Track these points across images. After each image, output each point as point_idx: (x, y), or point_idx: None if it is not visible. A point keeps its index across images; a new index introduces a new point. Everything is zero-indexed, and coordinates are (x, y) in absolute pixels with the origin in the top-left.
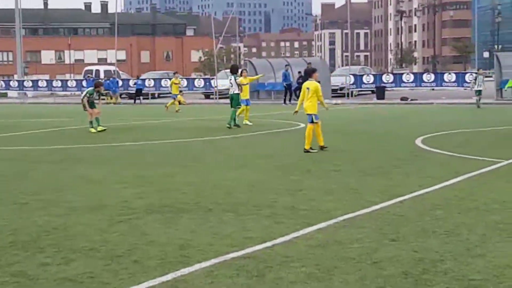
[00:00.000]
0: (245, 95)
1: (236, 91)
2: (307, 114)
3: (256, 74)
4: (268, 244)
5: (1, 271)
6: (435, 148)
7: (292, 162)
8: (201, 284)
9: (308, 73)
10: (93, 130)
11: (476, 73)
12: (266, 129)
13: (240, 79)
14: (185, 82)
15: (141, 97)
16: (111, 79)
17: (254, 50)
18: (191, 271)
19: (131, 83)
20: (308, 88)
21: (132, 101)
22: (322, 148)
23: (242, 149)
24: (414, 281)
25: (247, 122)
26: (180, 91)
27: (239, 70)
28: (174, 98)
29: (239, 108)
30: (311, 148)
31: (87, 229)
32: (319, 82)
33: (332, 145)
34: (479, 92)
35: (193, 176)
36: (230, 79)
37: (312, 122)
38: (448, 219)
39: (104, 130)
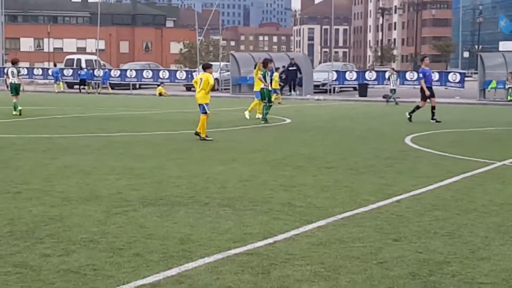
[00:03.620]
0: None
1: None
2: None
3: (238, 67)
4: (270, 240)
5: (3, 261)
6: (425, 147)
7: (281, 157)
8: (207, 280)
9: (204, 68)
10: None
11: (389, 71)
12: (251, 123)
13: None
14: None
15: (85, 87)
16: (105, 70)
17: (232, 43)
18: (195, 266)
19: (112, 73)
20: (201, 79)
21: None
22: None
23: (228, 143)
24: (422, 282)
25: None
26: (162, 83)
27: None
28: (276, 93)
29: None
30: (206, 136)
31: (84, 220)
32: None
33: (320, 141)
34: (394, 91)
35: (183, 169)
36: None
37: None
38: (448, 220)
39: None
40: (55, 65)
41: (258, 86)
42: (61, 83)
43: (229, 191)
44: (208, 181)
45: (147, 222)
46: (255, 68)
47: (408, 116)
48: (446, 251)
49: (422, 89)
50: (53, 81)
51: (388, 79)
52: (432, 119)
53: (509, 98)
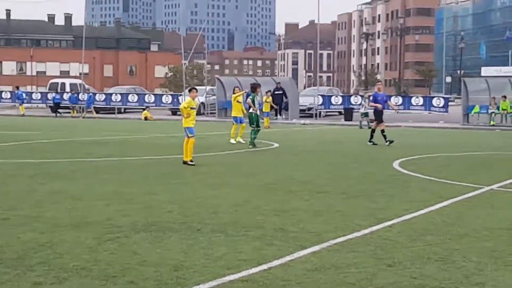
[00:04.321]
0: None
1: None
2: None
3: (224, 91)
4: (264, 266)
5: None
6: (414, 172)
7: (272, 181)
8: None
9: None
10: None
11: (362, 96)
12: (238, 148)
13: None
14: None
15: (60, 110)
16: (90, 94)
17: (217, 67)
18: None
19: (97, 97)
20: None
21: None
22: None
23: (218, 167)
24: None
25: (240, 140)
26: (147, 107)
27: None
28: (268, 116)
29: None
30: (191, 160)
31: (75, 247)
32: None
33: (310, 165)
34: (364, 115)
35: (174, 194)
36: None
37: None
38: (440, 245)
39: None
40: (17, 88)
41: (236, 110)
42: (22, 106)
43: (221, 217)
44: (200, 206)
45: (139, 248)
46: (233, 92)
47: (388, 143)
48: (440, 277)
49: (374, 112)
50: (37, 104)
51: (364, 102)
52: (370, 141)
53: (491, 122)
